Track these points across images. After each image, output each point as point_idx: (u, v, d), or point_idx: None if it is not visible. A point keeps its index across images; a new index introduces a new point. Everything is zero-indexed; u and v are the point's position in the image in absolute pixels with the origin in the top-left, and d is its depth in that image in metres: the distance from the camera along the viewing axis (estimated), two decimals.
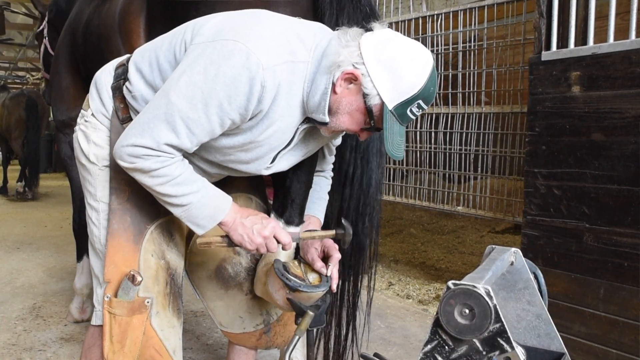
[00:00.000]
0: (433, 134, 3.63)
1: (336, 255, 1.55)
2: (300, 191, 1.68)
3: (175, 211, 1.37)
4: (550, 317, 1.31)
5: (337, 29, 1.36)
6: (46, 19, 3.28)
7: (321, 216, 1.74)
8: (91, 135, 1.49)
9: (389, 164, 3.94)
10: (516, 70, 3.15)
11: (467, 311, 1.01)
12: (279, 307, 1.63)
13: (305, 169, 1.66)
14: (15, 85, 12.84)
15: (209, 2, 1.81)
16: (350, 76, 1.27)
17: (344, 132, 1.49)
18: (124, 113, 1.46)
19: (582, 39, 2.26)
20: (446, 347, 1.05)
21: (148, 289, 1.47)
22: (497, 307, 0.99)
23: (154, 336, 1.48)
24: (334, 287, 1.56)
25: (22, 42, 11.13)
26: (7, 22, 8.85)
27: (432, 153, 3.66)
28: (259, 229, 1.39)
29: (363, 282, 2.02)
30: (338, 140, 1.71)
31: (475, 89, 3.39)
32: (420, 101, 1.26)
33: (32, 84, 12.42)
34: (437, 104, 3.57)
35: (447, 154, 3.56)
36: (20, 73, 13.64)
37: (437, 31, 3.51)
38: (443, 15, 3.47)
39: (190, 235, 1.72)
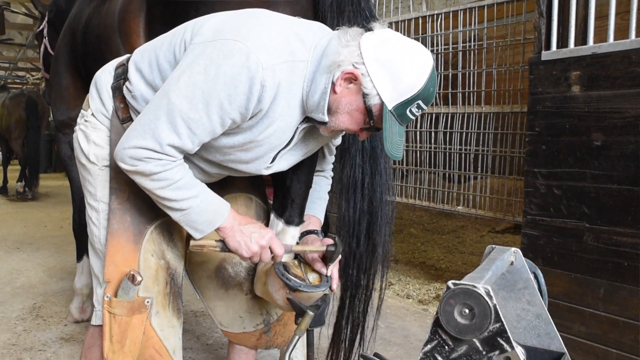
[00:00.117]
0: (433, 133, 3.63)
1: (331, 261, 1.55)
2: (300, 191, 1.68)
3: (174, 215, 1.37)
4: (550, 316, 1.31)
5: (337, 29, 1.36)
6: (46, 18, 3.28)
7: (321, 216, 1.74)
8: (91, 135, 1.49)
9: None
10: (516, 70, 3.15)
11: (467, 311, 1.01)
12: (279, 307, 1.63)
13: (305, 169, 1.66)
14: (15, 85, 12.84)
15: (208, 2, 1.81)
16: (350, 76, 1.27)
17: (344, 132, 1.49)
18: (124, 113, 1.46)
19: (582, 39, 2.26)
20: (446, 347, 1.05)
21: (148, 288, 1.47)
22: (497, 306, 0.99)
23: (154, 336, 1.48)
24: (334, 287, 1.56)
25: (22, 42, 11.13)
26: (7, 22, 8.86)
27: (432, 153, 3.66)
28: (257, 237, 1.39)
29: (375, 284, 2.01)
30: (338, 140, 1.71)
31: (475, 89, 3.39)
32: (420, 101, 1.26)
33: (32, 84, 12.41)
34: (437, 103, 3.57)
35: (447, 153, 3.56)
36: (20, 73, 13.64)
37: (437, 31, 3.51)
38: (443, 15, 3.47)
39: (189, 236, 1.71)
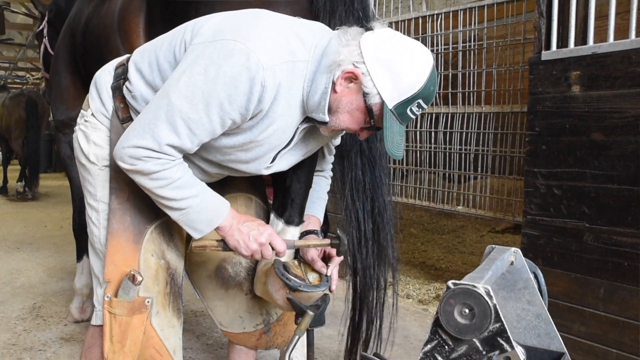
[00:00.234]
0: (433, 133, 3.63)
1: (337, 258, 1.55)
2: (300, 191, 1.68)
3: (174, 215, 1.37)
4: (550, 316, 1.31)
5: (337, 29, 1.36)
6: (46, 18, 3.28)
7: (320, 216, 1.74)
8: (91, 135, 1.49)
9: (389, 163, 3.93)
10: (516, 69, 3.15)
11: (467, 311, 1.01)
12: (279, 307, 1.63)
13: (305, 169, 1.66)
14: (15, 85, 12.84)
15: (208, 2, 1.81)
16: (350, 75, 1.27)
17: (344, 132, 1.49)
18: (124, 113, 1.46)
19: (582, 39, 2.26)
20: (446, 347, 1.05)
21: (148, 288, 1.47)
22: (497, 306, 0.99)
23: (154, 336, 1.48)
24: (333, 287, 1.56)
25: (22, 42, 11.13)
26: (7, 22, 8.85)
27: (432, 153, 3.66)
28: (256, 235, 1.39)
29: (382, 287, 2.02)
30: (337, 140, 1.71)
31: (475, 89, 3.38)
32: (420, 100, 1.26)
33: (32, 83, 12.41)
34: (437, 103, 3.56)
35: (447, 153, 3.55)
36: (20, 73, 13.63)
37: (437, 31, 3.51)
38: (443, 14, 3.47)
39: (189, 236, 1.71)
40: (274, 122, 1.33)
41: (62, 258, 4.36)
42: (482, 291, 1.00)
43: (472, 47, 3.42)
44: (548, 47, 2.35)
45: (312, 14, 1.79)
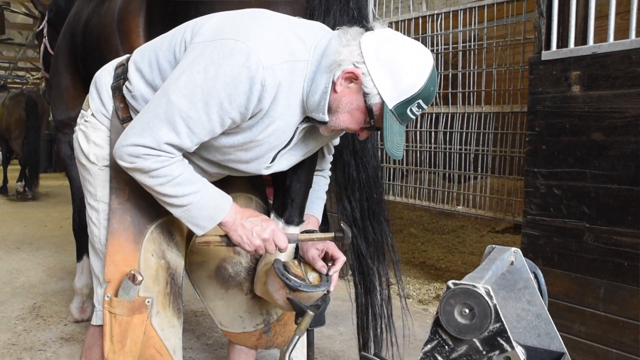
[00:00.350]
0: (433, 133, 3.63)
1: (341, 258, 1.56)
2: (300, 191, 1.68)
3: (175, 212, 1.37)
4: (550, 316, 1.31)
5: (338, 29, 1.36)
6: (46, 18, 3.28)
7: (319, 215, 1.74)
8: (91, 135, 1.49)
9: (389, 163, 3.94)
10: (516, 69, 3.14)
11: (467, 311, 1.01)
12: (279, 306, 1.63)
13: (305, 169, 1.66)
14: (15, 85, 12.84)
15: (208, 2, 1.81)
16: (350, 75, 1.28)
17: (344, 132, 1.49)
18: (124, 113, 1.46)
19: (582, 39, 2.26)
20: (446, 347, 1.05)
21: (148, 288, 1.47)
22: (497, 306, 0.99)
23: (155, 336, 1.48)
24: (332, 289, 1.56)
25: (22, 42, 11.13)
26: (7, 22, 8.85)
27: (432, 153, 3.66)
28: (259, 231, 1.39)
29: (384, 283, 2.03)
30: (336, 141, 1.71)
31: (475, 89, 3.38)
32: (420, 101, 1.26)
33: (32, 83, 12.41)
34: (437, 103, 3.56)
35: (447, 153, 3.55)
36: (20, 73, 13.64)
37: (437, 31, 3.51)
38: (443, 14, 3.46)
39: (190, 235, 1.71)
40: (274, 121, 1.33)
41: (62, 258, 4.36)
42: (482, 291, 1.00)
43: (472, 47, 3.42)
44: (548, 47, 2.35)
45: (308, 13, 1.80)
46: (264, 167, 1.45)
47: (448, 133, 3.53)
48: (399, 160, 3.79)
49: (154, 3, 1.97)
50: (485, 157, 3.35)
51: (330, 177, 1.80)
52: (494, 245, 1.34)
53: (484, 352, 1.02)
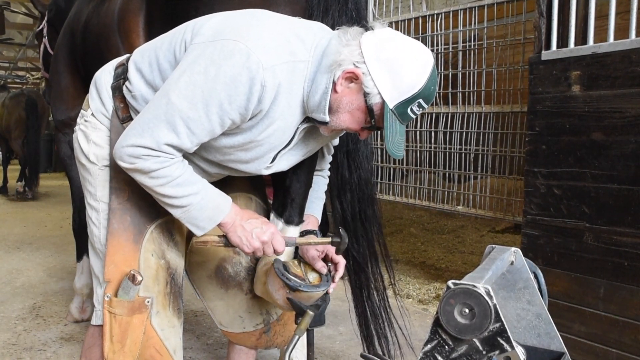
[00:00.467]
0: (433, 133, 3.63)
1: (342, 262, 1.56)
2: (300, 190, 1.68)
3: (175, 212, 1.37)
4: (550, 316, 1.31)
5: (337, 29, 1.36)
6: (45, 18, 3.28)
7: (319, 215, 1.74)
8: (91, 135, 1.49)
9: (389, 163, 3.94)
10: (516, 69, 3.14)
11: (467, 311, 1.01)
12: (279, 306, 1.63)
13: (305, 169, 1.66)
14: (15, 85, 12.84)
15: (208, 2, 1.81)
16: (351, 75, 1.28)
17: (344, 132, 1.49)
18: (124, 113, 1.46)
19: (582, 39, 2.26)
20: (446, 347, 1.05)
21: (148, 288, 1.47)
22: (497, 306, 0.99)
23: (154, 336, 1.48)
24: (331, 290, 1.56)
25: (22, 42, 11.13)
26: (7, 22, 8.85)
27: (432, 152, 3.66)
28: (258, 233, 1.39)
29: (378, 280, 2.04)
30: (336, 141, 1.72)
31: (475, 89, 3.38)
32: (420, 100, 1.26)
33: (32, 83, 12.41)
34: (437, 103, 3.56)
35: (447, 153, 3.55)
36: (20, 73, 13.63)
37: (437, 30, 3.51)
38: (443, 14, 3.47)
39: (190, 234, 1.71)
40: (274, 122, 1.33)
41: (62, 258, 4.36)
42: (482, 291, 1.00)
43: (472, 46, 3.42)
44: (548, 46, 2.35)
45: (307, 13, 1.80)
46: (264, 167, 1.45)
47: (448, 133, 3.53)
48: (399, 160, 3.79)
49: (153, 3, 1.97)
50: (485, 157, 3.35)
51: (329, 177, 1.81)
52: (494, 245, 1.34)
53: (484, 352, 1.02)
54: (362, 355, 1.37)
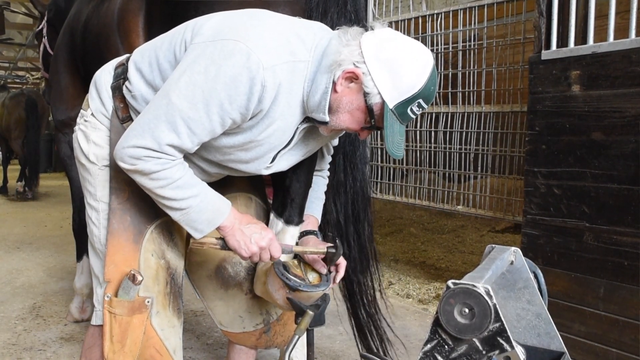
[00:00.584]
0: (433, 133, 3.63)
1: (343, 263, 1.56)
2: (300, 190, 1.68)
3: (174, 215, 1.37)
4: (550, 316, 1.31)
5: (338, 29, 1.36)
6: (45, 18, 3.28)
7: (318, 215, 1.74)
8: (91, 135, 1.49)
9: (389, 163, 3.94)
10: (516, 69, 3.14)
11: (466, 310, 1.01)
12: (278, 306, 1.63)
13: (305, 169, 1.66)
14: (15, 85, 12.84)
15: (208, 1, 1.81)
16: (351, 75, 1.28)
17: (344, 132, 1.49)
18: (123, 112, 1.46)
19: (582, 38, 2.26)
20: (446, 347, 1.05)
21: (148, 288, 1.47)
22: (497, 306, 0.99)
23: (154, 336, 1.48)
24: (328, 291, 1.57)
25: (22, 42, 11.12)
26: (7, 22, 8.85)
27: (432, 152, 3.66)
28: (257, 238, 1.40)
29: (369, 282, 2.05)
30: (335, 141, 1.72)
31: (475, 88, 3.38)
32: (420, 100, 1.26)
33: (32, 83, 12.41)
34: (437, 103, 3.56)
35: (447, 153, 3.55)
36: (20, 73, 13.63)
37: (436, 30, 3.51)
38: (443, 14, 3.46)
39: (189, 235, 1.71)
40: (274, 122, 1.33)
41: (62, 258, 4.36)
42: (482, 291, 0.99)
43: (472, 46, 3.42)
44: (548, 46, 2.35)
45: (306, 14, 1.80)
46: (264, 167, 1.45)
47: (448, 133, 3.53)
48: (399, 160, 3.78)
49: (153, 3, 1.97)
50: (485, 156, 3.35)
51: (328, 177, 1.81)
52: (493, 245, 1.33)
53: (484, 352, 1.02)
54: (362, 355, 1.38)
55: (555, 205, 2.28)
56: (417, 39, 3.18)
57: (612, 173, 2.08)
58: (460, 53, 3.46)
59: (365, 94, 1.28)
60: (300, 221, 1.70)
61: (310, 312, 1.48)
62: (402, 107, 1.26)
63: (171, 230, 1.56)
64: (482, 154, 3.35)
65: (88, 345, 1.58)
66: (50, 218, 6.36)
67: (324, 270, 1.56)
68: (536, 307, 1.31)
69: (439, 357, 1.06)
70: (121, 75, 1.47)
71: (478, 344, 1.03)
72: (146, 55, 1.44)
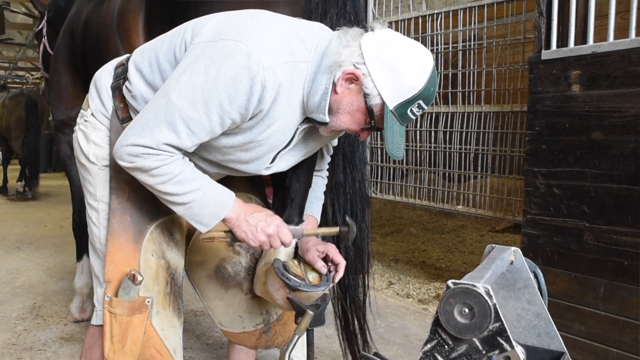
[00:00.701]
0: (433, 133, 3.63)
1: (342, 263, 1.56)
2: (300, 190, 1.68)
3: (178, 210, 1.37)
4: (550, 316, 1.31)
5: (338, 29, 1.36)
6: (45, 18, 3.28)
7: (318, 215, 1.74)
8: (91, 135, 1.49)
9: (389, 163, 3.94)
10: (516, 69, 3.14)
11: (466, 310, 1.01)
12: (278, 306, 1.63)
13: (305, 169, 1.66)
14: (15, 85, 12.84)
15: (208, 1, 1.81)
16: (351, 76, 1.28)
17: (343, 132, 1.49)
18: (123, 113, 1.46)
19: (582, 38, 2.26)
20: (446, 347, 1.05)
21: (148, 288, 1.47)
22: (497, 306, 0.99)
23: (155, 336, 1.48)
24: (328, 291, 1.57)
25: (22, 42, 11.12)
26: (7, 22, 8.84)
27: (432, 152, 3.66)
28: (263, 226, 1.39)
29: (364, 282, 2.05)
30: (335, 141, 1.72)
31: (475, 88, 3.38)
32: (420, 101, 1.26)
33: (32, 83, 12.41)
34: (437, 103, 3.56)
35: (447, 153, 3.55)
36: (20, 73, 13.63)
37: (436, 30, 3.51)
38: (443, 14, 3.46)
39: (190, 234, 1.71)
40: (274, 122, 1.33)
41: (62, 258, 4.36)
42: (482, 290, 1.00)
43: (472, 46, 3.42)
44: (548, 46, 2.35)
45: (305, 16, 1.80)
46: (264, 168, 1.45)
47: (448, 132, 3.53)
48: (399, 160, 3.78)
49: (153, 2, 1.97)
50: (485, 156, 3.35)
51: (327, 177, 1.81)
52: (493, 245, 1.34)
53: (484, 352, 1.02)
54: (362, 355, 1.37)
55: (555, 205, 2.28)
56: (417, 39, 3.19)
57: (612, 173, 2.08)
58: (460, 53, 3.45)
59: (365, 95, 1.28)
60: (300, 221, 1.70)
61: (310, 312, 1.48)
62: (402, 108, 1.26)
63: (171, 230, 1.56)
64: (482, 153, 3.35)
65: (88, 345, 1.58)
66: (50, 218, 6.36)
67: (324, 270, 1.56)
68: (536, 307, 1.31)
69: (439, 357, 1.06)
70: (121, 75, 1.47)
71: (478, 343, 1.03)
72: (146, 56, 1.44)
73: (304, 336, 1.51)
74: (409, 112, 1.27)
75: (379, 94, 1.26)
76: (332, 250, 1.56)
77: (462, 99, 3.45)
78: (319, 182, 1.76)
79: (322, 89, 1.30)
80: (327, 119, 1.33)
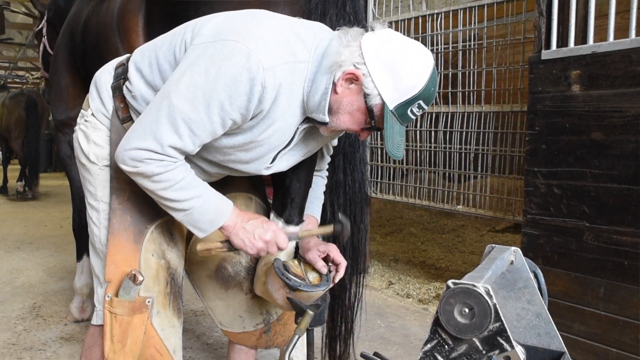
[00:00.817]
0: (433, 133, 3.63)
1: (343, 263, 1.56)
2: (300, 190, 1.68)
3: (177, 215, 1.37)
4: (550, 316, 1.31)
5: (338, 29, 1.36)
6: (45, 18, 3.28)
7: (318, 215, 1.75)
8: (91, 135, 1.49)
9: (389, 163, 3.94)
10: (516, 69, 3.14)
11: (466, 310, 1.01)
12: (279, 306, 1.64)
13: (305, 169, 1.67)
14: (15, 85, 12.84)
15: (208, 1, 1.81)
16: (351, 76, 1.28)
17: (344, 132, 1.49)
18: (124, 113, 1.46)
19: (582, 38, 2.26)
20: (446, 346, 1.05)
21: (149, 288, 1.47)
22: (497, 306, 0.99)
23: (155, 336, 1.48)
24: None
25: (22, 42, 11.12)
26: (7, 22, 8.84)
27: (432, 152, 3.66)
28: (260, 233, 1.40)
29: (362, 281, 2.05)
30: (335, 141, 1.72)
31: (475, 88, 3.38)
32: (420, 101, 1.26)
33: (32, 83, 12.41)
34: (437, 103, 3.56)
35: (447, 153, 3.55)
36: (20, 72, 13.63)
37: (436, 30, 3.50)
38: (443, 14, 3.46)
39: (190, 235, 1.71)
40: (275, 122, 1.33)
41: (62, 258, 4.36)
42: (482, 290, 1.00)
43: (472, 46, 3.42)
44: (548, 46, 2.35)
45: (305, 16, 1.80)
46: (264, 168, 1.45)
47: (448, 132, 3.53)
48: (399, 160, 3.78)
49: (153, 2, 1.97)
50: (485, 156, 3.35)
51: (327, 177, 1.81)
52: (493, 245, 1.34)
53: (484, 352, 1.02)
54: (362, 355, 1.37)
55: (555, 205, 2.28)
56: (417, 39, 3.19)
57: (612, 173, 2.08)
58: (460, 53, 3.45)
59: (366, 95, 1.28)
60: (300, 221, 1.70)
61: (310, 312, 1.48)
62: (402, 108, 1.26)
63: (171, 231, 1.56)
64: (482, 153, 3.35)
65: (88, 345, 1.58)
66: (50, 218, 6.36)
67: (325, 270, 1.56)
68: (536, 306, 1.31)
69: (439, 357, 1.06)
70: (121, 75, 1.47)
71: (478, 343, 1.03)
72: (146, 56, 1.44)
73: (304, 336, 1.51)
74: (409, 112, 1.27)
75: (379, 94, 1.26)
76: (334, 251, 1.56)
77: (462, 99, 3.45)
78: (319, 182, 1.76)
79: (322, 89, 1.30)
80: (327, 119, 1.33)
